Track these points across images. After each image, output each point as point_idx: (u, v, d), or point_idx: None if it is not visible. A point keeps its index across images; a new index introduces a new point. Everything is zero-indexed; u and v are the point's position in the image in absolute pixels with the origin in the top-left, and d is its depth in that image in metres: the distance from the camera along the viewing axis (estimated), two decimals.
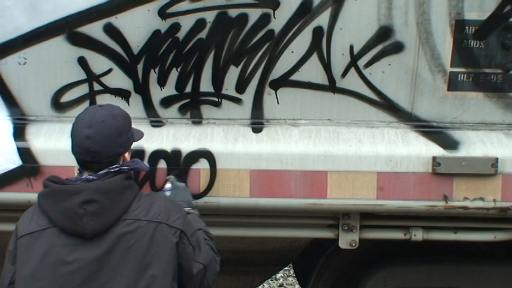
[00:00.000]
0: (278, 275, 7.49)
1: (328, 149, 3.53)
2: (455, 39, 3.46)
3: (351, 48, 3.47)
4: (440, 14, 3.42)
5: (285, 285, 7.47)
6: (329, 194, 3.53)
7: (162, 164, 3.49)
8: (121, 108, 2.92)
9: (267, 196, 3.52)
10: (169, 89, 3.54)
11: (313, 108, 3.58)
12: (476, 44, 3.48)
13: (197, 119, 3.59)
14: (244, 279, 4.37)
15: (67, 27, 3.40)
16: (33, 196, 3.09)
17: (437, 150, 3.55)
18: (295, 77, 3.52)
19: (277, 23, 3.42)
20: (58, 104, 3.55)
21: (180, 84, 3.52)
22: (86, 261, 2.64)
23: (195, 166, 3.50)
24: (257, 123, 3.60)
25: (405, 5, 3.40)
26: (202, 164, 3.50)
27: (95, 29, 3.41)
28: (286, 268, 7.04)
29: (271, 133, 3.58)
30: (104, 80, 3.51)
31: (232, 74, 3.52)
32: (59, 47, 3.43)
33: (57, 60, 3.47)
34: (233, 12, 3.40)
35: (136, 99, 3.55)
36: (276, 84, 3.54)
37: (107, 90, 3.52)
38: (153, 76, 3.51)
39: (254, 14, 3.41)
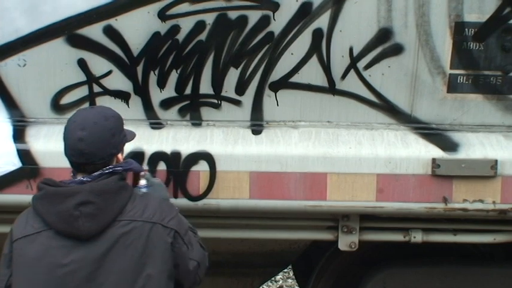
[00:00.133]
0: (278, 277, 7.47)
1: (327, 151, 3.53)
2: (454, 41, 3.46)
3: (351, 50, 3.47)
4: (439, 16, 3.42)
5: (284, 287, 7.46)
6: (329, 196, 3.53)
7: (161, 166, 3.49)
8: (112, 109, 2.90)
9: (267, 198, 3.52)
10: (169, 91, 3.53)
11: (312, 110, 3.58)
12: (476, 46, 3.48)
13: (197, 121, 3.59)
14: (243, 281, 4.36)
15: (67, 29, 3.40)
16: None
17: (436, 152, 3.55)
18: (294, 79, 3.52)
19: (277, 25, 3.42)
20: (58, 106, 3.55)
21: (179, 86, 3.52)
22: (83, 263, 2.64)
23: (194, 168, 3.50)
24: (257, 125, 3.59)
25: (405, 7, 3.40)
26: (202, 166, 3.50)
27: (94, 31, 3.40)
28: (285, 270, 7.03)
29: (271, 135, 3.58)
30: (103, 82, 3.51)
31: (232, 76, 3.51)
32: (58, 49, 3.43)
33: (56, 62, 3.46)
34: (233, 14, 3.40)
35: (136, 101, 3.55)
36: (276, 86, 3.54)
37: (106, 92, 3.52)
38: (153, 78, 3.51)
39: (254, 16, 3.41)
